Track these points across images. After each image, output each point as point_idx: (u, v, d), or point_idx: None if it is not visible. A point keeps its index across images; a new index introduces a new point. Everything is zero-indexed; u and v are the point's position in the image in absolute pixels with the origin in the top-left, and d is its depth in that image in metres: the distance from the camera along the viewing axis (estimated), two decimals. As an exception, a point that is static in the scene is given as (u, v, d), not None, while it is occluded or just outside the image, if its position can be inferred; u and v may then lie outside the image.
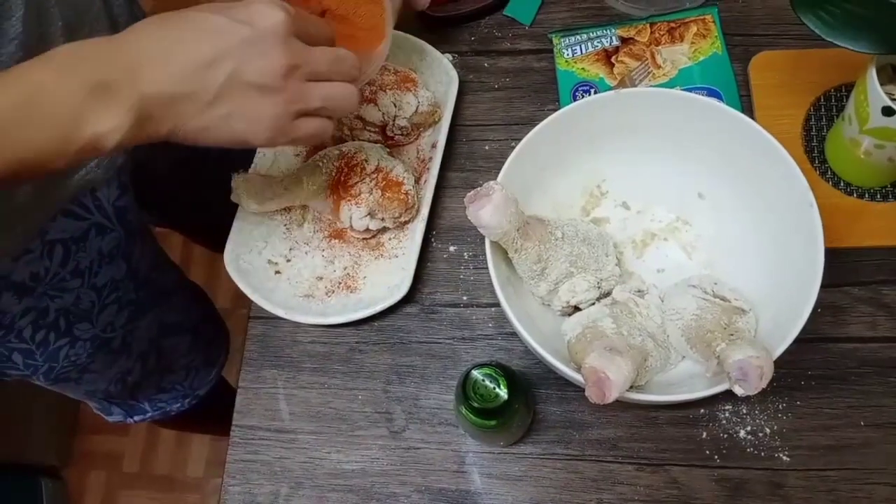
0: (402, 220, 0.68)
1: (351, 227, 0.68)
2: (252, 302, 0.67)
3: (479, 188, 0.56)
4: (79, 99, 0.43)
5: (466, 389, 0.52)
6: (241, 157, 0.72)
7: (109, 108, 0.43)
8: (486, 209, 0.54)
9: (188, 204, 0.96)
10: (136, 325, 0.78)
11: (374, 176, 0.66)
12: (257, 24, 0.47)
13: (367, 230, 0.68)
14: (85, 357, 0.74)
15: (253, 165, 0.72)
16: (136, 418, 0.93)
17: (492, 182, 0.56)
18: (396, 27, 0.74)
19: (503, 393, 0.52)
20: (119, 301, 0.74)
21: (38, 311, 0.67)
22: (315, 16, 0.57)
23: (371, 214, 0.67)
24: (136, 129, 0.45)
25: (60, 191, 0.63)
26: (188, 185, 0.92)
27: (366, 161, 0.66)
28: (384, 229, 0.69)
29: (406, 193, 0.67)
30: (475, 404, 0.52)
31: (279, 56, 0.47)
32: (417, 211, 0.69)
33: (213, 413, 1.01)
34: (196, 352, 0.93)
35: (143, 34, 0.46)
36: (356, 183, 0.66)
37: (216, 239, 0.71)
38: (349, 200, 0.66)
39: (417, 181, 0.71)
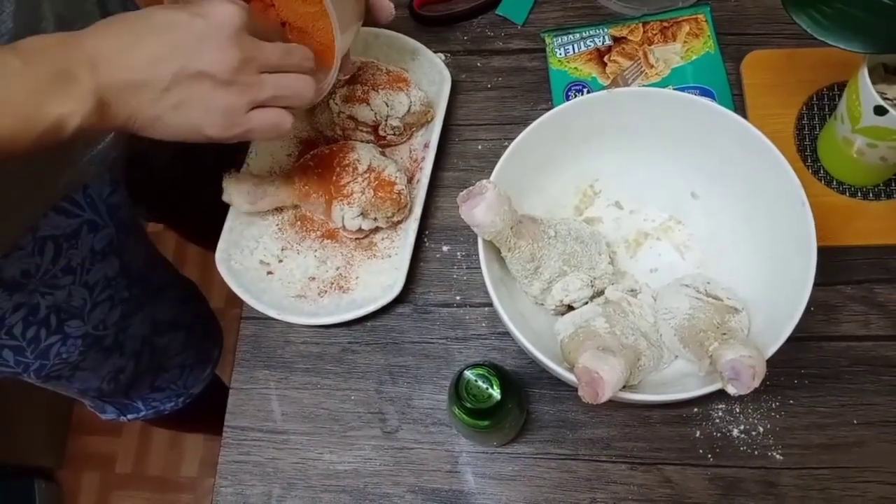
0: (395, 219, 0.68)
1: (343, 227, 0.68)
2: (244, 302, 0.67)
3: (471, 187, 0.56)
4: (42, 83, 0.45)
5: (459, 390, 0.52)
6: (233, 156, 0.72)
7: (70, 93, 0.46)
8: (480, 207, 0.54)
9: (182, 200, 0.95)
10: (128, 322, 0.78)
11: (367, 176, 0.66)
12: (210, 18, 0.49)
13: (360, 230, 0.68)
14: (76, 355, 0.74)
15: (245, 165, 0.72)
16: (129, 416, 0.93)
17: (484, 181, 0.56)
18: (389, 26, 0.74)
19: (496, 393, 0.52)
20: (111, 298, 0.74)
21: (29, 308, 0.66)
22: (267, 17, 0.58)
23: (363, 214, 0.67)
24: (96, 114, 0.47)
25: (51, 187, 0.63)
26: (182, 182, 0.91)
27: (358, 161, 0.66)
28: (377, 229, 0.69)
29: (398, 193, 0.67)
30: (468, 404, 0.51)
31: (230, 49, 0.49)
32: (410, 210, 0.68)
33: (207, 412, 1.00)
34: (189, 350, 0.92)
35: (103, 30, 0.48)
36: (348, 183, 0.66)
37: (210, 238, 0.71)
38: (341, 200, 0.66)
39: (410, 181, 0.71)
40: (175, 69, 0.48)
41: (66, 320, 0.70)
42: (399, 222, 0.69)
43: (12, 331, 0.67)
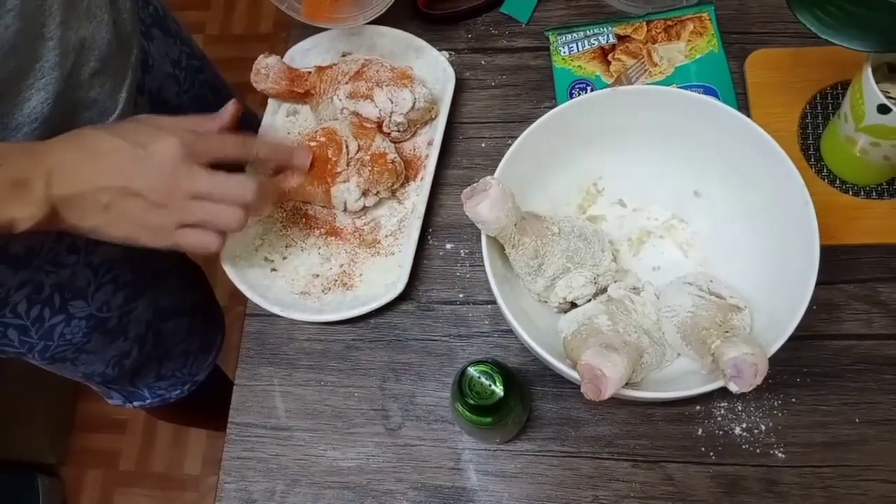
0: (395, 188, 0.70)
1: (346, 209, 0.68)
2: (248, 299, 0.67)
3: (476, 183, 0.56)
4: (2, 188, 0.52)
5: (462, 386, 0.52)
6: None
7: (25, 201, 0.53)
8: (484, 204, 0.54)
9: None
10: (132, 306, 0.79)
11: (359, 157, 0.67)
12: (149, 148, 0.56)
13: (364, 208, 0.68)
14: (80, 336, 0.74)
15: (248, 165, 0.72)
16: (135, 403, 0.93)
17: (489, 177, 0.56)
18: (394, 24, 0.74)
19: (499, 390, 0.52)
20: (115, 281, 0.75)
21: (33, 286, 0.67)
22: (218, 136, 0.62)
23: (364, 193, 0.67)
24: (45, 220, 0.54)
25: None
26: None
27: (346, 145, 0.67)
28: (379, 226, 0.69)
29: (393, 162, 0.68)
30: (471, 401, 0.52)
31: (165, 176, 0.56)
32: (408, 180, 0.70)
33: (211, 403, 1.01)
34: (193, 337, 0.93)
35: (59, 148, 0.55)
36: (343, 170, 0.66)
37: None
38: (339, 185, 0.67)
39: (413, 178, 0.71)
40: (114, 190, 0.55)
41: (70, 300, 0.71)
42: (396, 190, 0.70)
43: (16, 309, 0.68)
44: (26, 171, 0.53)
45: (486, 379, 0.52)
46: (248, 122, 0.96)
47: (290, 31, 0.80)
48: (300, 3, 0.70)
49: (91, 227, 0.56)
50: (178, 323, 0.89)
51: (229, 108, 0.64)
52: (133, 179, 0.55)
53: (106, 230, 0.57)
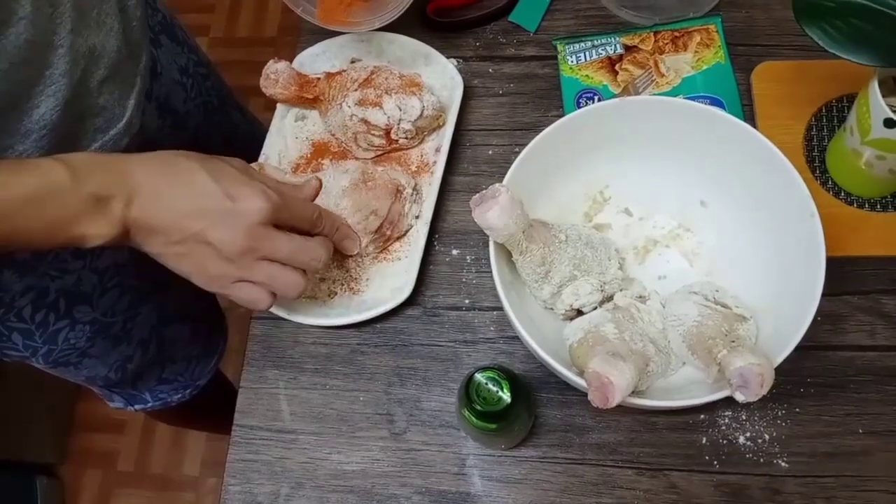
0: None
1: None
2: (255, 302, 0.67)
3: (484, 191, 0.56)
4: (81, 205, 0.51)
5: (469, 392, 0.52)
6: (245, 157, 0.72)
7: (101, 220, 0.52)
8: (494, 211, 0.55)
9: None
10: (136, 311, 0.79)
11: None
12: (238, 204, 0.54)
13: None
14: (84, 341, 0.75)
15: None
16: (136, 407, 0.94)
17: (497, 185, 0.56)
18: (403, 32, 0.75)
19: (506, 396, 0.52)
20: (121, 286, 0.75)
21: (39, 291, 0.67)
22: (304, 201, 0.62)
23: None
24: (116, 240, 0.53)
25: None
26: None
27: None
28: (388, 237, 0.70)
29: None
30: (478, 407, 0.52)
31: (242, 237, 0.55)
32: (419, 216, 0.70)
33: (212, 406, 1.01)
34: (196, 342, 0.93)
35: (150, 167, 0.54)
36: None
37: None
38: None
39: (415, 187, 0.72)
40: (190, 232, 0.54)
41: (75, 305, 0.71)
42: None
43: (21, 313, 0.68)
44: (109, 188, 0.52)
45: (494, 385, 0.52)
46: (252, 131, 0.97)
47: (298, 36, 0.80)
48: (315, 7, 0.70)
49: (155, 254, 0.56)
50: (182, 328, 0.89)
51: (313, 184, 0.63)
52: (211, 229, 0.54)
53: (168, 261, 0.56)
